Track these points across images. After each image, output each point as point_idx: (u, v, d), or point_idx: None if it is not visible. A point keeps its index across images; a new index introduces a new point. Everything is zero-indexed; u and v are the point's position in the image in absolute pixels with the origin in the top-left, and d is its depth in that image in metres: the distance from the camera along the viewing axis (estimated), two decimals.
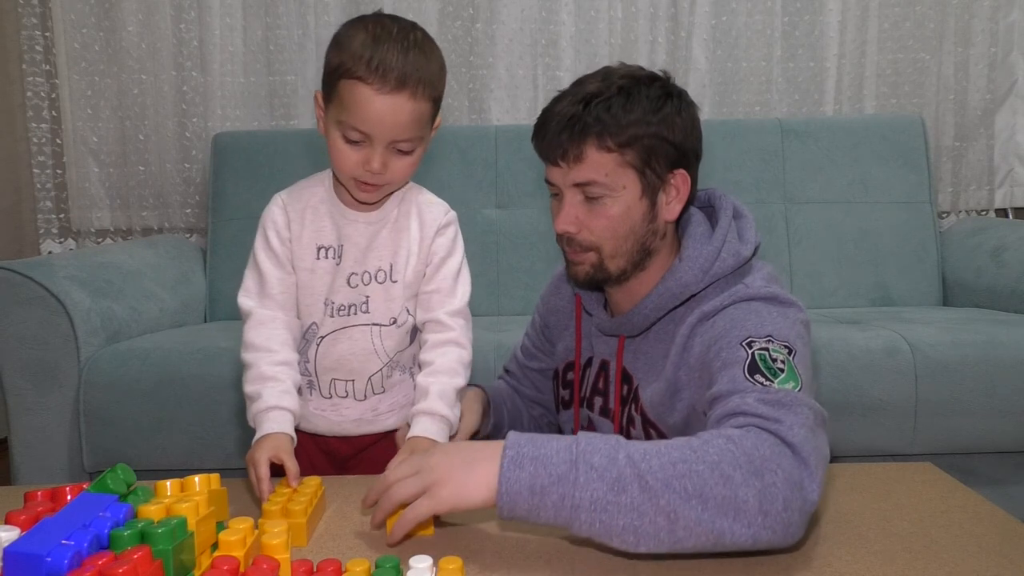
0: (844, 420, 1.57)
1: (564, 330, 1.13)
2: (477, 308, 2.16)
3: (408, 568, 0.65)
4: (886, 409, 1.57)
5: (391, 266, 1.00)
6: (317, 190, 1.02)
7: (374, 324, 1.00)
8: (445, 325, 1.00)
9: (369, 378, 1.02)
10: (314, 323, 1.01)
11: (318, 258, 1.00)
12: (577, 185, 0.91)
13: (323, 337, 1.01)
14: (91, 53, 2.34)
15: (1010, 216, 2.44)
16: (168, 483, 0.72)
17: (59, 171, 2.42)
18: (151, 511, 0.64)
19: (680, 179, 0.93)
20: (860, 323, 1.73)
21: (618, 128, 0.89)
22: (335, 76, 0.91)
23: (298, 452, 0.97)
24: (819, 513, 0.80)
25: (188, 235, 2.42)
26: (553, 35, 2.34)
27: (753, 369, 0.78)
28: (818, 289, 2.15)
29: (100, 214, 2.41)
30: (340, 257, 0.99)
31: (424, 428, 0.93)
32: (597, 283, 0.98)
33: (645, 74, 0.93)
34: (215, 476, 0.76)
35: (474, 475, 0.70)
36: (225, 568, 0.61)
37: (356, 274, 1.00)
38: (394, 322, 1.01)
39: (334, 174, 1.01)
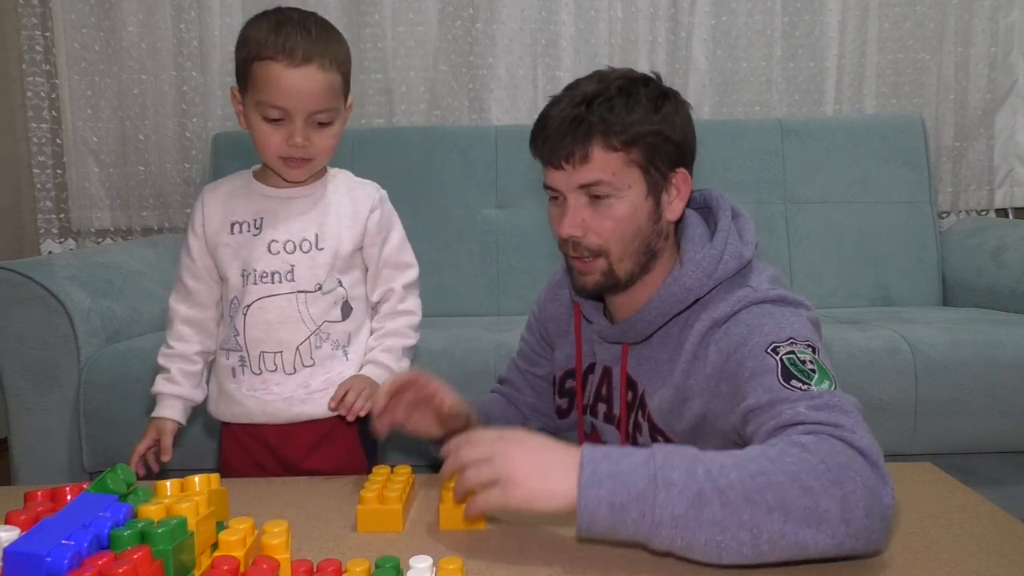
0: None
1: (563, 337, 1.11)
2: (477, 308, 2.18)
3: (408, 568, 0.64)
4: (886, 409, 1.56)
5: (316, 236, 1.06)
6: (237, 179, 1.11)
7: (299, 291, 1.05)
8: (399, 296, 1.12)
9: (297, 348, 1.05)
10: (235, 297, 1.06)
11: (232, 232, 1.06)
12: (582, 187, 0.90)
13: (248, 306, 1.05)
14: (91, 53, 2.34)
15: (1010, 216, 2.44)
16: (168, 483, 0.72)
17: (59, 171, 2.42)
18: (151, 511, 0.64)
19: (681, 178, 0.93)
20: (860, 323, 1.73)
21: (623, 127, 0.87)
22: (247, 64, 0.99)
23: (241, 451, 1.09)
24: None
25: None
26: (553, 35, 2.34)
27: (787, 375, 0.78)
28: (818, 289, 2.15)
29: (100, 214, 2.41)
30: (260, 228, 1.06)
31: (367, 371, 1.06)
32: (605, 291, 0.97)
33: (639, 75, 0.93)
34: (215, 476, 0.76)
35: (550, 484, 0.70)
36: (225, 568, 0.61)
37: (277, 241, 1.05)
38: (319, 288, 1.06)
39: (260, 164, 1.08)
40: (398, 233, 1.13)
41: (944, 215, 2.41)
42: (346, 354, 1.08)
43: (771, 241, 2.17)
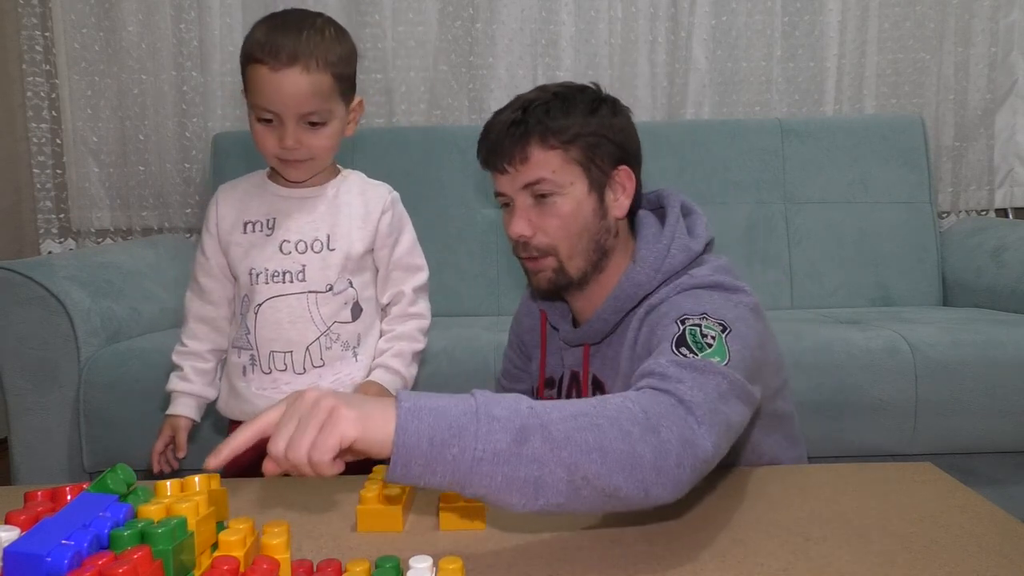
0: (844, 420, 1.57)
1: (537, 348, 1.13)
2: (477, 308, 2.18)
3: (408, 568, 0.64)
4: (886, 409, 1.57)
5: (328, 236, 1.06)
6: (252, 178, 1.11)
7: (310, 291, 1.05)
8: (409, 299, 1.12)
9: (307, 348, 1.05)
10: (246, 295, 1.07)
11: (244, 232, 1.07)
12: (526, 187, 0.93)
13: (260, 305, 1.05)
14: (91, 53, 2.34)
15: (1010, 216, 2.44)
16: (168, 483, 0.72)
17: (59, 171, 2.42)
18: (151, 511, 0.63)
19: (624, 175, 0.96)
20: (860, 323, 1.73)
21: (559, 128, 0.91)
22: (243, 65, 0.99)
23: (249, 450, 1.05)
24: (819, 513, 0.80)
25: (188, 235, 2.42)
26: (553, 35, 2.34)
27: (680, 342, 0.79)
28: (818, 289, 2.15)
29: (100, 214, 2.41)
30: (272, 228, 1.06)
31: (378, 376, 1.06)
32: (560, 289, 0.98)
33: (578, 84, 0.97)
34: (215, 476, 0.75)
35: (373, 412, 0.63)
36: (225, 568, 0.61)
37: (289, 241, 1.05)
38: (330, 289, 1.06)
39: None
40: (409, 236, 1.13)
41: (944, 215, 2.41)
42: (355, 355, 1.08)
43: (771, 241, 2.18)
